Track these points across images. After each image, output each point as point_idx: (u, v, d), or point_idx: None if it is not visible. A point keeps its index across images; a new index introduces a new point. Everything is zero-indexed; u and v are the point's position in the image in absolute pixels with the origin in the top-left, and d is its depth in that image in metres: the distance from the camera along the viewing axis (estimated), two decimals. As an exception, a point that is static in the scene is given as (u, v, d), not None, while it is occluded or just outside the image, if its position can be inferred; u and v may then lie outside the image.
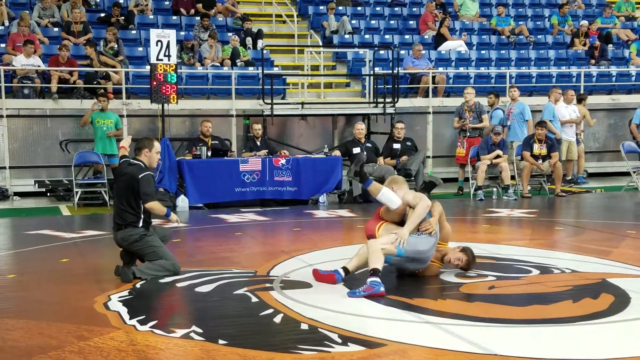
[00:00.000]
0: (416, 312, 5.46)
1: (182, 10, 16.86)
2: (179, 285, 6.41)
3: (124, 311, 5.51)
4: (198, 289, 6.23)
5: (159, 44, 11.52)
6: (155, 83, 11.59)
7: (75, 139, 13.05)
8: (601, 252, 7.69)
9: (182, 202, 11.50)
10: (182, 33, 15.51)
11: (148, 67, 12.52)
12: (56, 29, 15.33)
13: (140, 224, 6.77)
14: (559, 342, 4.71)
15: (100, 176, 12.33)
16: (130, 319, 5.30)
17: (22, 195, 12.97)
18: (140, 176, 6.74)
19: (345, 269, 6.39)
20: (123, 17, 16.01)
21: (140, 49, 15.23)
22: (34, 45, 13.65)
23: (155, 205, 6.75)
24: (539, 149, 12.67)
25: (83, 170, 12.69)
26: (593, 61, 17.48)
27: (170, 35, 11.71)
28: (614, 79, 16.87)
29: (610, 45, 18.30)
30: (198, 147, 11.98)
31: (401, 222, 6.46)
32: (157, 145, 7.09)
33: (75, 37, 14.93)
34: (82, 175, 12.60)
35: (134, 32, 15.83)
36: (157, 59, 11.55)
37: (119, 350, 4.60)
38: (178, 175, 11.71)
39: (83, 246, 8.50)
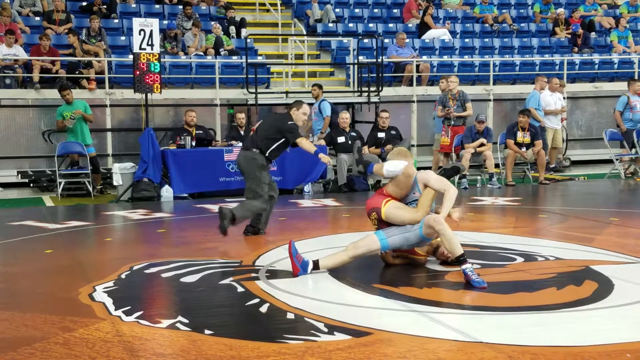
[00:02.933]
0: (402, 300, 5.47)
1: (165, -2, 16.74)
2: (164, 275, 6.39)
3: (109, 302, 5.48)
4: (183, 279, 6.21)
5: (142, 33, 11.43)
6: (138, 72, 11.50)
7: (58, 129, 12.95)
8: (585, 239, 7.75)
9: (167, 192, 11.44)
10: (165, 22, 15.41)
11: (131, 57, 12.43)
12: (37, 18, 15.20)
13: (265, 156, 7.88)
14: (543, 329, 4.75)
15: (83, 166, 12.25)
16: (115, 309, 5.28)
17: (5, 186, 12.87)
18: (289, 123, 7.91)
19: (315, 263, 6.29)
20: (105, 6, 15.88)
21: (123, 38, 15.12)
22: (15, 35, 13.51)
23: (304, 141, 7.90)
24: (522, 137, 12.73)
25: (66, 161, 12.60)
26: (576, 49, 17.56)
27: (153, 24, 11.62)
28: (596, 66, 16.96)
29: (593, 33, 18.39)
30: (182, 137, 11.92)
31: (404, 201, 6.38)
32: (305, 107, 8.09)
33: (57, 26, 14.80)
34: (65, 165, 12.51)
35: (116, 21, 15.71)
36: (140, 48, 11.46)
37: (105, 341, 4.59)
38: (162, 165, 11.66)
39: (67, 237, 8.45)
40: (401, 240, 6.24)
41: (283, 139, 7.96)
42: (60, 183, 11.95)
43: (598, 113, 16.11)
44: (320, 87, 13.31)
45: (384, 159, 12.40)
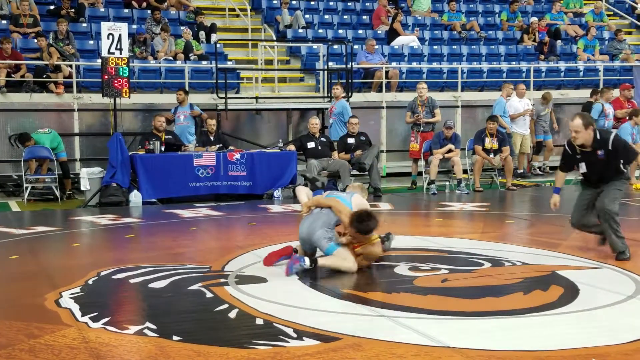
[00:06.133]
0: (370, 305, 5.50)
1: (134, 3, 16.63)
2: (132, 281, 6.34)
3: (75, 308, 5.43)
4: (152, 285, 6.17)
5: (111, 37, 11.36)
6: (106, 77, 11.42)
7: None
8: (551, 244, 7.85)
9: (135, 197, 11.36)
10: (134, 26, 15.32)
11: (99, 61, 12.33)
12: (4, 22, 15.01)
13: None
14: (510, 334, 4.80)
15: (51, 171, 12.12)
16: (82, 316, 5.23)
17: (-30, 191, 12.69)
18: None
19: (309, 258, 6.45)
20: (73, 10, 15.73)
21: (91, 42, 14.99)
22: (-19, 39, 13.33)
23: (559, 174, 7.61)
24: (490, 143, 12.86)
25: (32, 166, 12.43)
26: (542, 56, 17.80)
27: (122, 28, 11.56)
28: (562, 74, 17.21)
29: (559, 41, 18.66)
30: (151, 142, 11.84)
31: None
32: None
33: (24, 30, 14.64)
34: (30, 171, 12.33)
35: (84, 24, 15.57)
36: (109, 53, 11.39)
37: (71, 348, 4.54)
38: (131, 170, 11.57)
39: (33, 242, 8.35)
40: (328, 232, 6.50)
41: None
42: (26, 188, 11.80)
43: (563, 120, 16.31)
44: (186, 92, 13.10)
45: (353, 164, 12.55)
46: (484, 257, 7.18)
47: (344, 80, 14.39)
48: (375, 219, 6.35)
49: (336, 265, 6.42)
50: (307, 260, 6.42)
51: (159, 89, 14.34)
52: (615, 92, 15.22)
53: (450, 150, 12.70)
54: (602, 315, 5.27)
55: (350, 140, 12.86)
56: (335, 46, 16.16)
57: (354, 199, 6.75)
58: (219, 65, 13.54)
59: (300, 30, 17.14)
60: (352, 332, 4.81)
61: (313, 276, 6.37)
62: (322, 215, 6.56)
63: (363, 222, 6.33)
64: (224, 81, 13.27)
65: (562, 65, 17.40)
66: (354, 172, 12.65)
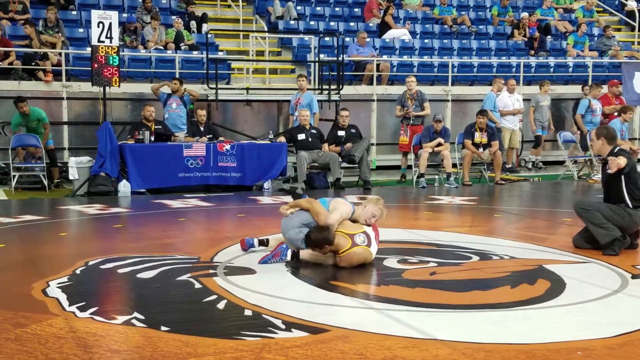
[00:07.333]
0: (359, 298, 5.52)
1: (125, -9, 16.55)
2: (120, 271, 6.32)
3: (63, 297, 5.41)
4: (140, 275, 6.16)
5: (101, 25, 11.29)
6: (96, 65, 11.36)
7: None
8: (538, 239, 7.89)
9: (124, 187, 11.32)
10: (125, 15, 15.24)
11: (89, 49, 12.26)
12: (-7, 9, 14.92)
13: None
14: (497, 327, 4.82)
15: (39, 159, 12.07)
16: (69, 305, 5.21)
17: (-43, 178, 12.60)
18: None
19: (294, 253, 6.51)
20: (63, -3, 15.65)
21: (81, 30, 14.91)
22: (-31, 25, 13.25)
23: None
24: (479, 137, 12.89)
25: (21, 154, 12.37)
26: (532, 52, 17.84)
27: (112, 16, 11.48)
28: (552, 69, 17.26)
29: (549, 37, 18.71)
30: (141, 132, 11.80)
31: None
32: None
33: (13, 14, 14.55)
34: (19, 158, 12.27)
35: (74, 12, 15.49)
36: (99, 41, 11.31)
37: (58, 337, 4.53)
38: (120, 160, 11.53)
39: (20, 231, 8.31)
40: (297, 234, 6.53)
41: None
42: (14, 176, 11.74)
43: (552, 115, 16.35)
44: (181, 82, 13.06)
45: (343, 157, 12.55)
46: (472, 250, 7.20)
47: (330, 73, 14.37)
48: (321, 231, 6.28)
49: (317, 260, 6.45)
50: (289, 255, 6.47)
51: (149, 78, 14.29)
52: (604, 89, 15.30)
53: (439, 144, 12.72)
54: (588, 309, 5.30)
55: (341, 133, 12.86)
56: (327, 38, 16.15)
57: (332, 202, 6.74)
58: (209, 56, 13.50)
59: (292, 22, 17.11)
60: (340, 324, 4.82)
61: (302, 268, 6.38)
62: (297, 215, 6.58)
63: (309, 236, 6.34)
64: (214, 72, 13.23)
65: (552, 60, 17.47)
66: (344, 164, 12.66)
